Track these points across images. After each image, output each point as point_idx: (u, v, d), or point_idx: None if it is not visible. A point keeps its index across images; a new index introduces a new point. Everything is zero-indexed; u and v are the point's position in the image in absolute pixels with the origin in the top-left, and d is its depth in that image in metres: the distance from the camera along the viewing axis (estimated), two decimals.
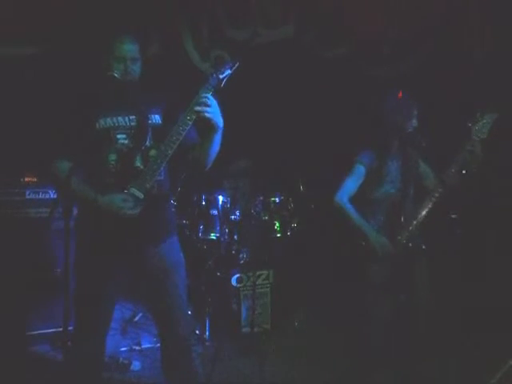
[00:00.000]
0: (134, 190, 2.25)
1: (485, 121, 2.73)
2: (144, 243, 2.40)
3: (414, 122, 2.94)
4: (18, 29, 3.76)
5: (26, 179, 3.67)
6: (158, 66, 2.50)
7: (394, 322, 2.91)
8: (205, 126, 2.36)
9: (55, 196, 3.63)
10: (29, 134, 3.96)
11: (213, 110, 2.29)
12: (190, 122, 2.28)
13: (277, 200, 4.38)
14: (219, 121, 2.33)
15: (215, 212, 4.16)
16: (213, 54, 4.34)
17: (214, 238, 4.13)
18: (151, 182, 2.29)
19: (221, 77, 2.35)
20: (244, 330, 3.97)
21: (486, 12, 4.29)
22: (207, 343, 3.81)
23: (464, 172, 2.78)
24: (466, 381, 3.11)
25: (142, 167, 2.31)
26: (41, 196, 3.65)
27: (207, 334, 3.90)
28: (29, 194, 3.62)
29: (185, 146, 2.39)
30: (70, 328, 2.55)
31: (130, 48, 2.36)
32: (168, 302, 2.47)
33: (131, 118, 2.40)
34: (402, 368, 3.03)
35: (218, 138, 2.39)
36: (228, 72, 2.37)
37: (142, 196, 2.26)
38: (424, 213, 2.83)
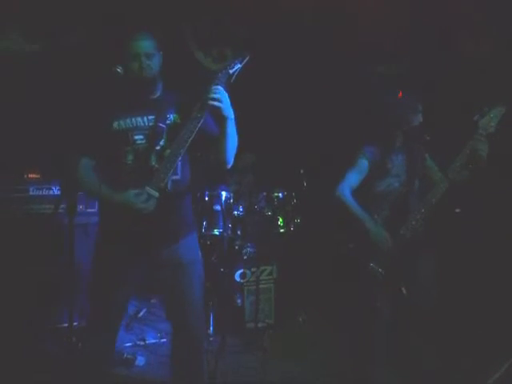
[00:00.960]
0: (148, 189, 2.26)
1: (492, 115, 2.71)
2: (161, 241, 2.41)
3: (419, 117, 2.92)
4: (29, 25, 3.76)
5: (30, 176, 3.68)
6: (164, 65, 2.49)
7: (396, 318, 2.91)
8: (217, 120, 2.38)
9: (59, 192, 3.64)
10: (32, 131, 3.97)
11: (223, 101, 2.29)
12: (201, 119, 2.29)
13: (280, 195, 4.38)
14: (229, 111, 2.34)
15: (218, 208, 4.16)
16: (215, 49, 4.34)
17: (218, 233, 4.13)
18: (165, 181, 2.29)
19: (231, 72, 2.36)
20: (248, 325, 3.98)
21: (486, 11, 4.28)
22: (211, 338, 3.82)
23: (469, 167, 2.76)
24: (466, 381, 3.12)
25: (157, 166, 2.32)
26: (44, 192, 3.66)
27: (211, 329, 3.91)
28: (32, 191, 3.62)
29: (209, 141, 2.41)
30: (75, 324, 2.56)
31: (143, 44, 2.35)
32: (180, 296, 2.47)
33: (150, 118, 2.39)
34: (402, 366, 3.03)
35: (231, 129, 2.38)
36: (238, 66, 2.38)
37: (156, 194, 2.27)
38: (428, 207, 2.82)
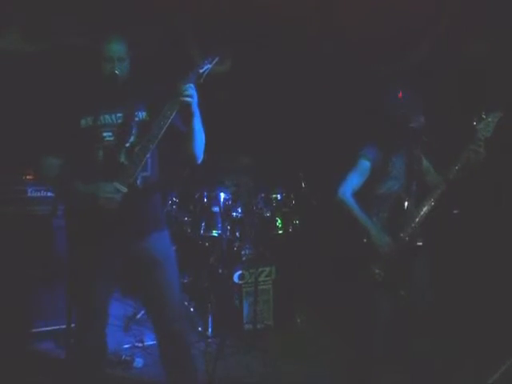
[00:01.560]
0: (117, 185, 2.31)
1: (489, 119, 2.72)
2: (130, 236, 2.43)
3: (421, 117, 2.91)
4: (13, 27, 3.77)
5: (28, 177, 3.67)
6: (153, 62, 2.53)
7: (394, 319, 2.91)
8: (185, 117, 2.44)
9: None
10: (29, 131, 3.96)
11: (194, 98, 2.37)
12: (171, 116, 2.35)
13: (278, 197, 4.38)
14: (195, 109, 2.41)
15: (217, 209, 4.16)
16: (213, 50, 4.33)
17: (216, 235, 4.14)
18: (134, 177, 2.34)
19: (200, 71, 2.43)
20: (246, 326, 3.98)
21: (486, 11, 4.27)
22: (209, 340, 3.82)
23: (466, 170, 2.76)
24: (465, 381, 3.11)
25: (126, 162, 2.37)
26: (42, 194, 3.65)
27: (210, 330, 3.91)
28: (30, 192, 3.62)
29: (176, 135, 2.46)
30: (73, 325, 2.56)
31: (116, 48, 2.42)
32: (158, 295, 2.50)
33: (118, 115, 2.45)
34: (402, 367, 3.03)
35: (198, 126, 2.45)
36: (208, 67, 2.44)
37: (124, 190, 2.31)
38: (426, 210, 2.82)
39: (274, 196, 4.37)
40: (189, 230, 4.15)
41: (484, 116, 2.74)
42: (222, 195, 4.21)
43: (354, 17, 4.34)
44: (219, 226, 4.14)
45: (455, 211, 3.73)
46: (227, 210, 4.21)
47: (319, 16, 4.35)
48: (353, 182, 2.94)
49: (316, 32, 4.46)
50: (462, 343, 3.43)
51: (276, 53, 4.47)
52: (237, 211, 4.29)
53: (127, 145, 2.41)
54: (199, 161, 2.58)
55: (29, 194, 3.61)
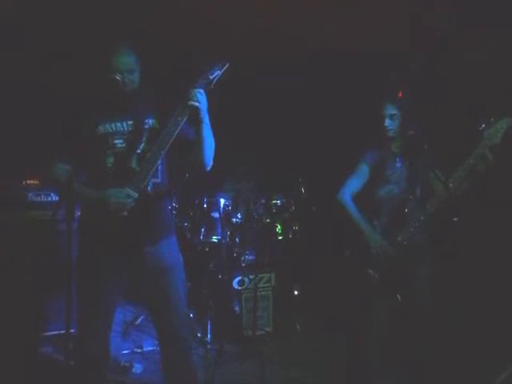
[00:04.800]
0: (128, 190, 2.31)
1: (498, 126, 2.63)
2: (141, 242, 2.43)
3: (384, 121, 2.93)
4: (23, 31, 3.79)
5: (28, 182, 3.68)
6: (158, 69, 2.52)
7: (393, 323, 2.92)
8: (193, 124, 2.43)
9: (57, 198, 3.64)
10: (30, 137, 3.97)
11: (202, 103, 2.36)
12: (181, 122, 2.34)
13: (278, 202, 4.39)
14: (205, 115, 2.41)
15: (217, 215, 4.17)
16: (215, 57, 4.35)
17: (216, 240, 4.14)
18: (145, 182, 2.35)
19: (211, 77, 2.41)
20: (245, 332, 3.98)
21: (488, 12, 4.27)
22: (209, 346, 3.81)
23: (471, 178, 2.72)
24: (466, 381, 3.11)
25: (137, 168, 2.37)
26: (43, 198, 3.66)
27: (209, 336, 3.90)
28: (31, 197, 3.62)
29: (185, 144, 2.46)
30: (72, 330, 2.55)
31: (126, 60, 2.40)
32: (165, 302, 2.49)
33: (129, 123, 2.45)
34: (401, 369, 3.03)
35: (207, 133, 2.44)
36: (218, 73, 2.43)
37: (135, 195, 2.32)
38: (427, 215, 2.82)
39: (274, 202, 4.38)
40: (188, 236, 4.16)
41: (493, 122, 2.65)
42: (222, 201, 4.21)
43: (354, 22, 4.35)
44: (219, 231, 4.14)
45: (455, 219, 3.73)
46: (227, 215, 4.22)
47: (318, 22, 4.36)
48: (351, 186, 3.05)
49: (315, 38, 4.48)
50: (462, 348, 3.42)
51: (275, 59, 4.48)
52: (236, 217, 4.30)
53: (138, 151, 2.41)
54: (208, 168, 2.56)
55: (29, 199, 3.62)
